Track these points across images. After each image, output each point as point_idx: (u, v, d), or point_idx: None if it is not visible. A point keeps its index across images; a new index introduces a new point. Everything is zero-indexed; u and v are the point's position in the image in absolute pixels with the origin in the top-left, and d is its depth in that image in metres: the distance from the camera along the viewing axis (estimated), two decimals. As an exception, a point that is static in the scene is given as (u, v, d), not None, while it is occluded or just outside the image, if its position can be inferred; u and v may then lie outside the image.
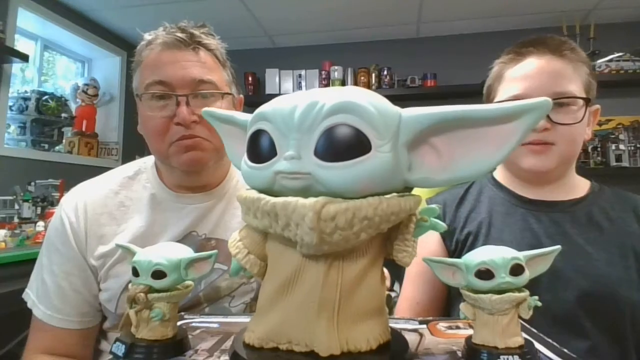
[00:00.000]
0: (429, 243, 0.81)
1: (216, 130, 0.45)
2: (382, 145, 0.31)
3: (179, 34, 0.70)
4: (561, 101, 0.71)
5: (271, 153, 0.33)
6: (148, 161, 0.81)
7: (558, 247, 0.40)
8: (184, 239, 0.73)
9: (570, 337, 0.66)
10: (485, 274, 0.36)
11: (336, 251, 0.32)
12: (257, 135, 0.34)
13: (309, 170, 0.31)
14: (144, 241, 0.61)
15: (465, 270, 0.37)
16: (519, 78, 0.74)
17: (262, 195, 0.33)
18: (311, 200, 0.30)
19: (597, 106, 0.79)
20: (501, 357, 0.35)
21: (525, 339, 0.37)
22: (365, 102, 0.32)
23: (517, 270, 0.36)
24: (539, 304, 0.37)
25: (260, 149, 0.34)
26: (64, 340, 0.72)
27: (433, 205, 0.37)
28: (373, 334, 0.35)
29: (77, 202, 0.74)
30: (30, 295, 0.73)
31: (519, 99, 0.77)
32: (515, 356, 0.35)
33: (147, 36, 0.72)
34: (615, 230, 0.72)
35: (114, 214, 0.74)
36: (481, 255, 0.37)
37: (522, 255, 0.37)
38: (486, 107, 0.32)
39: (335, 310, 0.33)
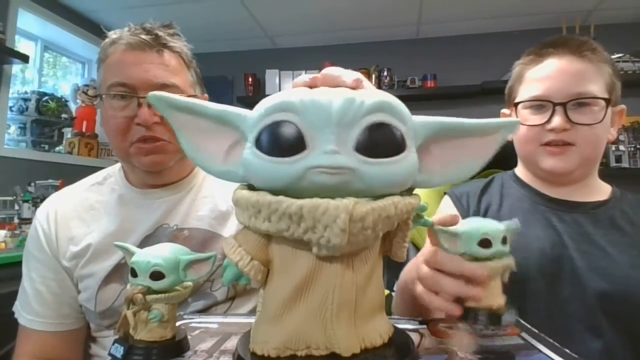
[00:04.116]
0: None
1: (168, 120, 0.37)
2: (412, 146, 0.33)
3: (144, 36, 0.70)
4: (581, 101, 0.70)
5: (299, 146, 0.31)
6: (116, 166, 0.82)
7: (516, 220, 0.44)
8: (156, 231, 0.73)
9: (586, 336, 0.66)
10: (486, 242, 0.41)
11: (350, 251, 0.32)
12: (278, 127, 0.31)
13: (353, 165, 0.30)
14: (116, 239, 0.61)
15: (467, 239, 0.42)
16: (539, 79, 0.74)
17: (283, 198, 0.31)
18: (342, 201, 0.30)
19: (622, 106, 0.77)
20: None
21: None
22: (398, 103, 0.33)
23: (505, 240, 0.42)
24: (515, 269, 0.43)
25: (284, 141, 0.31)
26: (48, 344, 0.73)
27: (423, 203, 0.39)
28: (383, 329, 0.36)
29: (49, 210, 0.76)
30: (17, 306, 0.75)
31: (539, 100, 0.75)
32: (511, 311, 0.43)
33: (112, 34, 0.72)
34: (637, 234, 0.71)
35: (84, 217, 0.75)
36: (481, 226, 0.42)
37: (504, 227, 0.43)
38: (476, 121, 0.35)
39: (352, 309, 0.33)
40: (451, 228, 0.43)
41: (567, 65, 0.72)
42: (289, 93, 0.32)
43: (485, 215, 0.78)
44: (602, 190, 0.79)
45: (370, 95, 0.32)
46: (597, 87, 0.71)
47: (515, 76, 0.80)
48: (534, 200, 0.78)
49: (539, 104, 0.73)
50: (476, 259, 0.42)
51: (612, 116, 0.76)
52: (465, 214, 0.80)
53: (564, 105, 0.70)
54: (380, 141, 0.31)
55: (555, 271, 0.69)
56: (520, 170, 0.84)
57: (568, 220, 0.73)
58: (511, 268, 0.43)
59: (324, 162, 0.30)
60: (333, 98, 0.31)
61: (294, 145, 0.31)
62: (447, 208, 0.83)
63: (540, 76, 0.74)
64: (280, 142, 0.31)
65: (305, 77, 0.36)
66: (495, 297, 0.42)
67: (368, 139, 0.30)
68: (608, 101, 0.71)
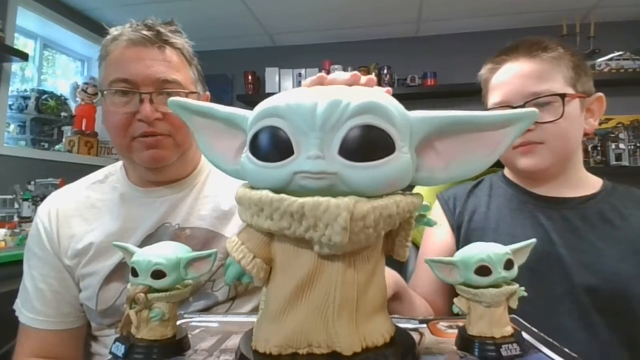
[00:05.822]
0: (440, 234, 0.81)
1: (186, 123, 0.40)
2: (403, 146, 0.32)
3: (145, 32, 0.70)
4: (539, 100, 0.71)
5: (287, 151, 0.31)
6: (117, 164, 0.82)
7: (533, 240, 0.42)
8: (158, 230, 0.73)
9: (582, 335, 0.66)
10: (484, 270, 0.38)
11: (352, 250, 0.32)
12: (267, 133, 0.32)
13: (335, 170, 0.30)
14: (118, 238, 0.62)
15: (463, 268, 0.39)
16: (498, 85, 0.77)
17: (285, 196, 0.31)
18: (343, 199, 0.30)
19: (599, 94, 0.78)
20: (503, 346, 0.37)
21: (513, 327, 0.40)
22: (386, 103, 0.32)
23: (509, 264, 0.38)
24: (525, 294, 0.39)
25: (272, 146, 0.32)
26: (48, 342, 0.73)
27: (426, 202, 0.38)
28: (385, 328, 0.36)
29: (50, 208, 0.76)
30: (18, 304, 0.75)
31: (502, 106, 0.76)
32: (514, 344, 0.38)
33: (114, 31, 0.72)
34: (627, 227, 0.71)
35: (85, 215, 0.75)
36: (477, 252, 0.39)
37: (509, 249, 0.39)
38: (485, 113, 0.34)
39: (354, 308, 0.33)
40: (445, 258, 0.40)
41: (520, 69, 0.74)
42: (279, 97, 0.33)
43: (471, 217, 0.79)
44: (590, 184, 0.79)
45: (359, 96, 0.31)
46: (555, 84, 0.72)
47: (483, 85, 0.83)
48: (522, 199, 0.78)
49: (500, 109, 0.74)
50: (476, 287, 0.39)
51: (588, 105, 0.76)
52: (451, 217, 0.82)
53: (522, 107, 0.71)
54: (364, 144, 0.31)
55: (544, 269, 0.69)
56: (508, 170, 0.85)
57: (555, 217, 0.74)
58: (518, 294, 0.39)
59: (307, 167, 0.30)
60: (319, 101, 0.31)
61: (282, 150, 0.31)
62: (435, 212, 0.84)
63: (498, 83, 0.77)
64: (269, 147, 0.32)
65: (311, 78, 0.37)
66: (498, 326, 0.38)
67: (352, 143, 0.30)
68: (564, 96, 0.71)
